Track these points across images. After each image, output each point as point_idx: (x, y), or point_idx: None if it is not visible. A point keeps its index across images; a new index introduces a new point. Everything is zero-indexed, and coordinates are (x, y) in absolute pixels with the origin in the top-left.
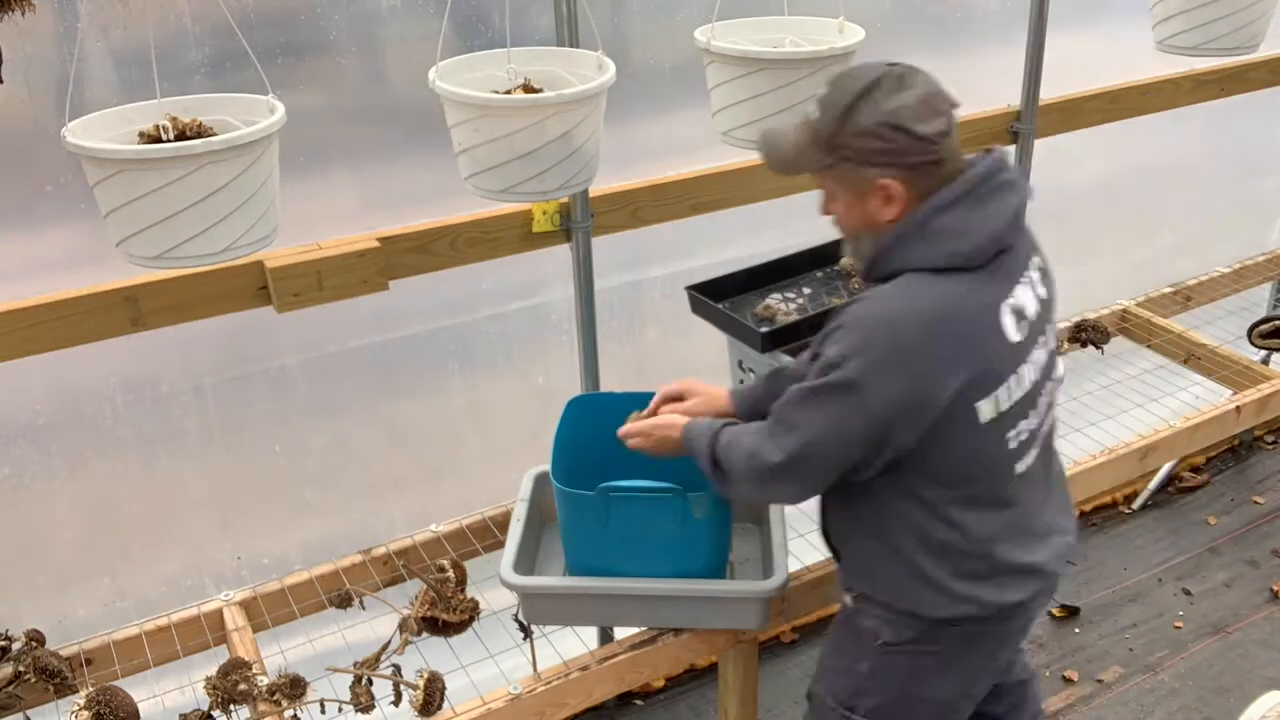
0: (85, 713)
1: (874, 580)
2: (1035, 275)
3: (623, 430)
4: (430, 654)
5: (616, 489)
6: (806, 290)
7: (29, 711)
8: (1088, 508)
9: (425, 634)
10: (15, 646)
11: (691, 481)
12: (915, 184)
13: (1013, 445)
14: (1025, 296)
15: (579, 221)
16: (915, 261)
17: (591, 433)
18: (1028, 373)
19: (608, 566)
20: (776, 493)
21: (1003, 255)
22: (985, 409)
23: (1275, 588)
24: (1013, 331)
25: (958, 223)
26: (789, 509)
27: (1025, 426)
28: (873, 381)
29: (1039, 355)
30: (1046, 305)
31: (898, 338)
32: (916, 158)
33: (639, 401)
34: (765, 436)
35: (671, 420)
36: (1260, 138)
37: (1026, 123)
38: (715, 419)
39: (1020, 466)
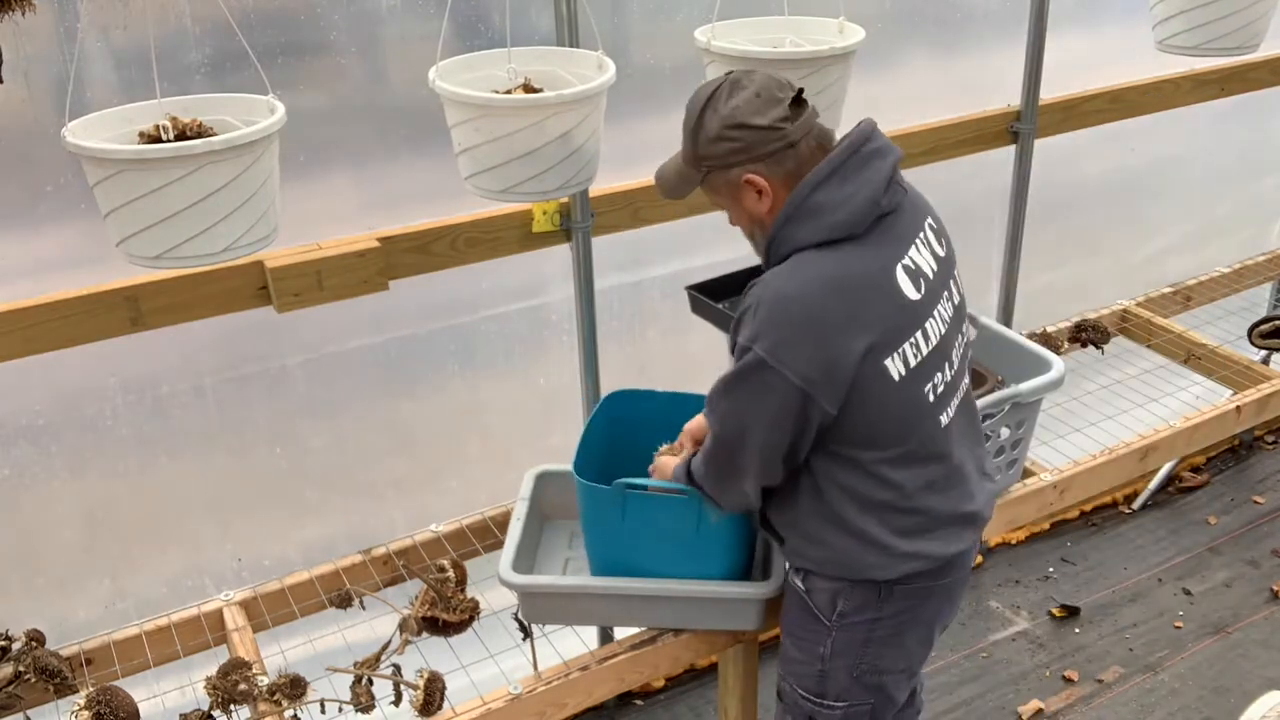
0: (85, 713)
1: (821, 555)
2: (930, 235)
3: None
4: (430, 654)
5: (633, 485)
6: None
7: (29, 711)
8: (1088, 508)
9: (425, 634)
10: (15, 646)
11: None
12: (777, 170)
13: (931, 399)
14: (921, 256)
15: (579, 221)
16: (802, 240)
17: (625, 428)
18: (933, 328)
19: (626, 564)
20: (733, 486)
21: (887, 219)
22: (894, 367)
23: (1275, 588)
24: (910, 290)
25: (833, 196)
26: None
27: (940, 380)
28: (781, 357)
29: (944, 310)
30: (946, 262)
31: (796, 312)
32: (768, 147)
33: (675, 402)
34: (708, 432)
35: (665, 463)
36: (1260, 138)
37: (1026, 123)
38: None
39: (944, 419)
